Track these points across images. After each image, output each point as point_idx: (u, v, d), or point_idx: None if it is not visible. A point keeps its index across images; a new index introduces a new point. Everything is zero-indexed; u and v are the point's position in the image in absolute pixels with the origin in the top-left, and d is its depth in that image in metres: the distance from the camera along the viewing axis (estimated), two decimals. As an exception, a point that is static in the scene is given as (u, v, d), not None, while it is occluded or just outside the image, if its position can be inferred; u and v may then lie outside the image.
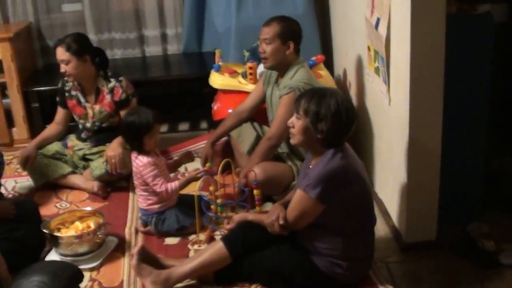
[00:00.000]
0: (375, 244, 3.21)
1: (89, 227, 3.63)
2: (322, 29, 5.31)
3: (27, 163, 4.34)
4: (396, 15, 3.17)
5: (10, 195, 4.47)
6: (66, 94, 4.43)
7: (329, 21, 5.28)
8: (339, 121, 2.88)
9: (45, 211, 4.15)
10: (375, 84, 3.71)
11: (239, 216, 3.32)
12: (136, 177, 3.72)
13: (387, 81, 3.40)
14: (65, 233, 3.59)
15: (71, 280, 2.43)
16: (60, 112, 4.53)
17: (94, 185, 4.29)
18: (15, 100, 5.20)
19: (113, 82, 4.31)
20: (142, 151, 3.64)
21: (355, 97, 4.34)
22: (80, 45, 4.21)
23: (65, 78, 4.38)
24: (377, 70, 3.60)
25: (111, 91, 4.31)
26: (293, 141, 2.99)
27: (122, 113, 4.27)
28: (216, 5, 5.29)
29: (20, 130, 5.28)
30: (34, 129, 5.26)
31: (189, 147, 4.81)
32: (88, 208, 3.85)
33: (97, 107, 4.36)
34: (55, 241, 3.52)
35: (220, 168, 3.56)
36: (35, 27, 5.62)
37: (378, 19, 3.44)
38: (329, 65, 5.24)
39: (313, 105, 2.86)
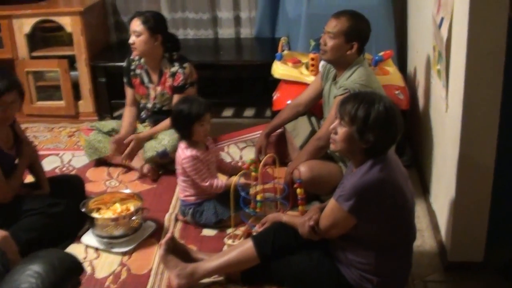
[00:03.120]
0: (418, 258, 3.02)
1: (128, 209, 3.58)
2: (400, 22, 5.04)
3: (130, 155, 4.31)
4: (458, 16, 2.91)
5: (64, 168, 4.48)
6: (131, 73, 4.40)
7: (406, 14, 5.00)
8: (388, 131, 2.66)
9: (94, 187, 4.16)
10: (437, 87, 3.46)
11: (273, 216, 3.16)
12: (177, 167, 3.63)
13: (446, 86, 3.15)
14: (104, 214, 3.55)
15: (68, 272, 2.35)
16: (130, 93, 4.50)
17: (145, 167, 4.24)
18: (83, 74, 5.23)
19: (176, 67, 4.25)
20: (190, 140, 3.54)
21: (421, 98, 4.10)
22: (157, 23, 4.18)
23: (131, 57, 4.35)
24: (439, 73, 3.35)
25: (173, 75, 4.25)
26: (334, 147, 2.78)
27: (175, 97, 4.23)
28: (289, -11, 5.10)
29: (86, 104, 5.30)
30: (100, 104, 5.32)
31: (244, 136, 4.68)
32: (127, 191, 3.81)
33: (159, 89, 4.32)
34: (91, 222, 3.49)
35: (261, 164, 3.42)
36: (110, 2, 5.62)
37: (442, 19, 3.19)
38: (403, 60, 4.98)
39: (360, 112, 2.63)
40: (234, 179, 3.40)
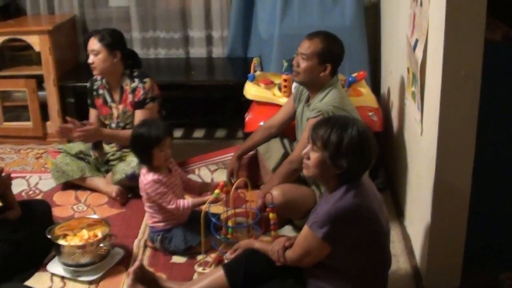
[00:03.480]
0: (393, 284, 2.93)
1: (96, 236, 3.48)
2: (373, 42, 5.00)
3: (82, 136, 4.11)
4: (433, 38, 2.86)
5: (31, 192, 4.36)
6: (94, 93, 4.31)
7: (379, 34, 4.96)
8: (361, 157, 2.60)
9: (61, 212, 4.05)
10: (411, 110, 3.40)
11: (245, 242, 3.07)
12: (142, 193, 3.53)
13: (421, 109, 3.09)
14: (70, 240, 3.44)
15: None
16: (93, 114, 4.40)
17: (114, 190, 4.12)
18: (51, 94, 5.11)
19: (136, 82, 4.16)
20: (151, 165, 3.43)
21: (395, 120, 4.04)
22: (114, 40, 4.11)
23: (94, 77, 4.26)
24: (413, 95, 3.30)
25: (133, 91, 4.16)
26: (306, 173, 2.72)
27: (137, 113, 4.15)
28: (262, 10, 5.04)
29: (54, 124, 5.17)
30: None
31: (216, 158, 4.58)
32: (95, 216, 3.71)
33: (121, 107, 4.23)
34: (57, 249, 3.37)
35: (233, 188, 3.33)
36: (80, 20, 5.52)
37: (417, 41, 3.14)
38: (377, 80, 4.94)
39: (333, 137, 2.56)
40: (204, 207, 3.30)
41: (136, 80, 4.17)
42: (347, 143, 2.54)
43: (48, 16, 5.45)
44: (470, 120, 2.75)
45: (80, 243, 3.36)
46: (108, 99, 4.26)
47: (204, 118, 5.38)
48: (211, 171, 4.52)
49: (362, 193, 2.61)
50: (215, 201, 3.39)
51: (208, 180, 4.38)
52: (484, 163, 2.90)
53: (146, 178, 3.43)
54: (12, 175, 4.37)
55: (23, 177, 4.59)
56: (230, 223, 3.45)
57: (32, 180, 4.54)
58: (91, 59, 4.10)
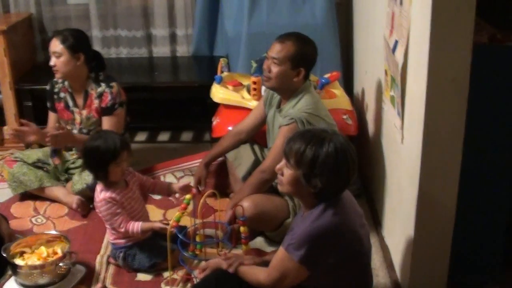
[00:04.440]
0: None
1: (55, 253, 3.28)
2: (345, 41, 4.80)
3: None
4: (415, 40, 2.66)
5: (-14, 203, 4.09)
6: (55, 96, 4.06)
7: (352, 32, 4.77)
8: (338, 176, 2.41)
9: (19, 225, 3.82)
10: (390, 115, 3.21)
11: (214, 262, 2.85)
12: (97, 210, 3.31)
13: (402, 115, 2.90)
14: (28, 259, 3.21)
15: None
16: (52, 117, 4.16)
17: (74, 201, 3.88)
18: (7, 97, 4.83)
19: (103, 87, 3.92)
20: (106, 181, 3.19)
21: (371, 123, 3.86)
22: (77, 41, 3.86)
23: (55, 79, 4.00)
24: (392, 100, 3.11)
25: (100, 96, 3.92)
26: (280, 189, 2.53)
27: (105, 119, 3.93)
28: (228, 7, 4.80)
29: (11, 129, 4.87)
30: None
31: (182, 165, 4.37)
32: (53, 232, 3.46)
33: (84, 112, 3.98)
34: (14, 269, 3.13)
35: (201, 202, 3.11)
36: (37, 19, 5.23)
37: (396, 42, 2.95)
38: (350, 80, 4.75)
39: (307, 155, 2.37)
40: (171, 223, 3.06)
41: (103, 84, 3.94)
42: (322, 162, 2.35)
43: (2, 15, 5.16)
44: (457, 127, 2.56)
45: (38, 263, 3.14)
46: (70, 103, 4.02)
47: (169, 121, 5.14)
48: (177, 178, 4.28)
49: (341, 211, 2.43)
50: (185, 208, 3.17)
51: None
52: (471, 170, 2.71)
53: (99, 196, 3.20)
54: None
55: (-22, 187, 4.33)
56: (198, 239, 3.23)
57: (-13, 190, 4.28)
58: (53, 61, 3.86)
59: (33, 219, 3.89)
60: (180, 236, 3.08)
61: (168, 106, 5.21)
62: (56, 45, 3.83)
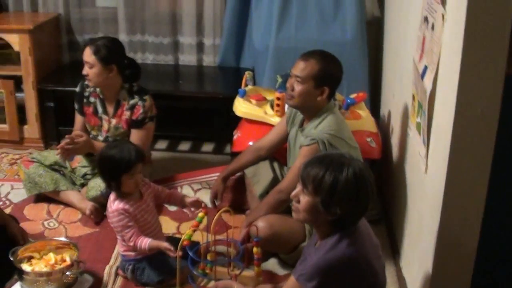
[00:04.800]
0: None
1: (63, 260, 3.23)
2: (374, 60, 4.70)
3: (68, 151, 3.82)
4: (445, 67, 2.55)
5: (1, 202, 4.05)
6: (84, 100, 4.01)
7: (382, 52, 4.66)
8: (357, 203, 2.31)
9: (31, 227, 3.76)
10: (415, 142, 3.10)
11: (224, 284, 2.76)
12: (109, 220, 3.23)
13: (427, 144, 2.79)
14: (35, 264, 3.15)
15: None
16: (79, 120, 4.11)
17: (88, 207, 3.82)
18: (29, 97, 4.79)
19: (136, 99, 3.88)
20: (119, 191, 3.12)
21: (395, 147, 3.75)
22: (110, 53, 3.79)
23: (85, 82, 3.93)
24: (418, 127, 3.00)
25: (132, 108, 3.88)
26: (296, 216, 2.43)
27: (134, 132, 3.89)
28: (257, 19, 4.72)
29: (31, 129, 4.87)
30: (46, 130, 4.90)
31: (200, 177, 4.28)
32: (63, 239, 3.41)
33: (114, 122, 3.93)
34: (19, 274, 3.07)
35: (215, 219, 3.02)
36: (65, 19, 5.18)
37: (426, 68, 2.84)
38: (377, 101, 4.64)
39: (326, 182, 2.27)
40: (182, 240, 2.98)
41: (136, 96, 3.88)
42: (342, 188, 2.26)
43: (31, 14, 5.13)
44: (484, 162, 2.44)
45: (44, 270, 3.09)
46: (100, 109, 3.97)
47: (191, 131, 5.06)
48: (194, 190, 4.20)
49: (357, 241, 2.33)
50: (197, 226, 3.08)
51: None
52: (496, 211, 2.59)
53: (111, 206, 3.13)
54: None
55: (-6, 186, 4.29)
56: (209, 257, 3.14)
57: (3, 190, 4.24)
58: (86, 70, 3.81)
59: (45, 223, 3.84)
60: (190, 253, 2.99)
61: (191, 116, 5.13)
62: (88, 55, 3.77)
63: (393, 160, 3.77)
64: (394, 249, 3.52)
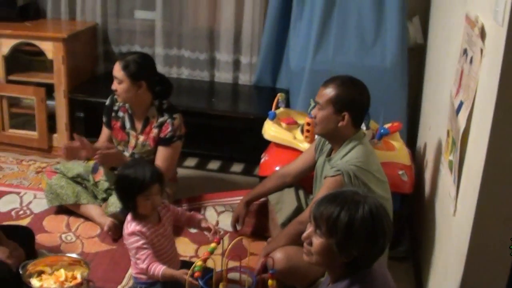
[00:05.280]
0: None
1: (74, 278, 3.15)
2: (414, 88, 4.51)
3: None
4: (481, 105, 2.39)
5: (21, 212, 3.98)
6: (113, 114, 3.94)
7: (422, 81, 4.49)
8: (375, 243, 2.13)
9: (48, 240, 3.72)
10: (446, 180, 2.93)
11: None
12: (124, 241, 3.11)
13: (457, 184, 2.62)
14: (45, 280, 3.08)
15: None
16: (105, 133, 4.05)
17: (106, 223, 3.73)
18: (60, 105, 4.76)
19: (165, 117, 3.80)
20: (135, 213, 3.01)
21: (428, 182, 3.57)
22: (140, 69, 3.72)
23: (115, 96, 3.87)
24: (450, 165, 2.83)
25: (160, 125, 3.80)
26: (308, 259, 2.24)
27: (160, 150, 3.81)
28: (295, 39, 4.58)
29: (60, 138, 4.82)
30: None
31: (223, 199, 4.17)
32: (75, 255, 3.31)
33: (141, 138, 3.85)
34: (27, 290, 2.99)
35: (228, 249, 2.89)
36: (102, 29, 5.15)
37: (461, 104, 2.68)
38: (415, 132, 4.45)
39: (341, 221, 2.09)
40: (188, 276, 2.83)
41: (166, 114, 3.81)
42: (359, 228, 2.08)
43: (68, 22, 5.10)
44: (513, 212, 2.28)
45: (53, 287, 2.98)
46: (128, 125, 3.90)
47: (221, 150, 4.94)
48: (217, 212, 4.09)
49: (371, 287, 2.16)
50: (207, 258, 2.95)
51: (213, 221, 3.95)
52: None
53: (128, 227, 3.01)
54: (6, 189, 4.12)
55: (18, 193, 4.25)
56: (221, 287, 3.01)
57: (26, 198, 4.19)
58: (115, 85, 3.75)
59: (63, 236, 3.77)
60: (201, 283, 2.86)
61: (223, 135, 5.01)
62: (117, 71, 3.71)
63: (425, 195, 3.60)
64: (419, 291, 3.35)
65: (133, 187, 2.92)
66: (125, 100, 3.79)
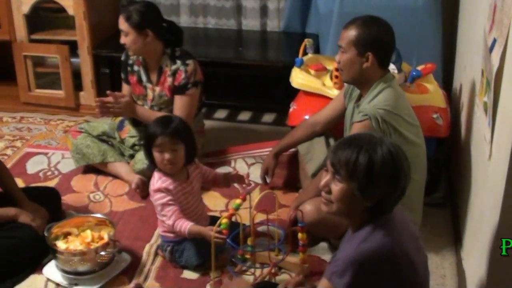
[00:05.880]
0: None
1: (101, 238, 3.10)
2: (449, 28, 4.30)
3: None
4: (515, 42, 2.22)
5: (50, 172, 3.93)
6: (129, 68, 3.84)
7: (457, 19, 4.27)
8: (397, 183, 2.04)
9: (76, 200, 3.67)
10: (481, 123, 2.77)
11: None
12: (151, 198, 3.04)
13: (492, 127, 2.46)
14: (71, 242, 3.03)
15: None
16: (126, 89, 3.94)
17: (134, 181, 3.66)
18: (85, 62, 4.66)
19: (178, 64, 3.66)
20: (159, 169, 2.94)
21: (463, 126, 3.40)
22: (143, 18, 3.59)
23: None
24: (485, 106, 2.66)
25: (174, 73, 3.67)
26: (327, 209, 2.14)
27: (177, 99, 3.69)
28: (323, -20, 4.39)
29: (87, 95, 4.75)
30: (103, 97, 4.68)
31: (252, 151, 4.05)
32: (99, 215, 3.25)
33: (157, 89, 3.74)
34: (54, 253, 2.95)
35: (256, 203, 2.79)
36: (122, -20, 4.98)
37: (494, 41, 2.49)
38: (450, 73, 4.26)
39: (361, 163, 2.00)
40: (213, 230, 2.74)
41: (178, 61, 3.67)
42: (380, 168, 1.99)
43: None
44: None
45: (79, 248, 2.96)
46: (144, 78, 3.79)
47: (252, 100, 4.80)
48: (248, 164, 3.99)
49: (393, 232, 2.06)
50: (232, 215, 2.85)
51: (244, 173, 3.86)
52: None
53: (154, 184, 2.94)
54: (35, 150, 4.10)
55: (45, 154, 4.20)
56: (249, 242, 2.92)
57: (54, 158, 4.13)
58: (122, 39, 3.65)
59: (91, 195, 3.72)
60: (228, 240, 2.77)
61: (253, 84, 4.87)
62: (122, 23, 3.61)
63: (461, 139, 3.44)
64: (456, 237, 3.22)
65: (147, 139, 2.91)
66: (135, 52, 3.68)
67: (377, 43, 2.90)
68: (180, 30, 3.80)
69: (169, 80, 3.69)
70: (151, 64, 3.75)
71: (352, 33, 2.89)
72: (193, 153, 3.03)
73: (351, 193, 2.03)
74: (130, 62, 3.82)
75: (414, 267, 2.10)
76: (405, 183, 2.06)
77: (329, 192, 2.09)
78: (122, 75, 3.92)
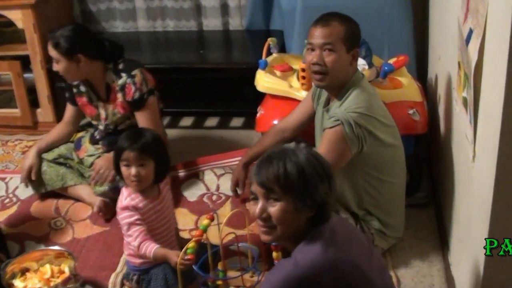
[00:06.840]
0: None
1: (62, 272, 2.86)
2: (421, 17, 4.08)
3: (29, 175, 3.58)
4: (494, 33, 2.00)
5: (7, 200, 3.70)
6: (75, 90, 3.61)
7: (428, 9, 4.05)
8: (330, 180, 1.99)
9: (36, 229, 3.45)
10: (461, 120, 2.56)
11: None
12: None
13: (474, 126, 2.25)
14: (29, 279, 2.81)
15: None
16: (69, 110, 3.72)
17: (96, 203, 3.42)
18: (39, 77, 4.39)
19: (124, 78, 3.43)
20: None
21: (442, 121, 3.20)
22: (72, 43, 3.35)
23: None
24: (465, 102, 2.45)
25: (122, 88, 3.44)
26: (269, 238, 2.02)
27: (138, 115, 3.44)
28: (284, -26, 4.16)
29: (45, 112, 4.48)
30: (61, 112, 4.39)
31: (221, 161, 3.82)
32: (57, 248, 3.03)
33: (110, 107, 3.51)
34: (9, 292, 2.71)
35: (224, 223, 2.56)
36: (75, -13, 4.73)
37: (471, 32, 2.28)
38: (424, 64, 4.04)
39: (292, 173, 1.91)
40: (179, 258, 2.51)
41: (123, 74, 3.43)
42: (310, 169, 1.94)
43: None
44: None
45: (38, 286, 2.72)
46: (93, 97, 3.57)
47: (218, 105, 4.55)
48: (217, 175, 3.76)
49: (334, 240, 1.95)
50: (201, 235, 2.62)
51: (213, 187, 3.68)
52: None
53: (122, 201, 2.74)
54: None
55: (3, 179, 3.95)
56: (220, 266, 2.69)
57: (11, 184, 3.89)
58: (55, 67, 3.43)
59: (52, 222, 3.50)
60: (195, 268, 2.54)
61: (218, 88, 4.62)
62: (50, 51, 3.38)
63: (441, 135, 3.23)
64: (442, 240, 3.02)
65: (115, 153, 2.73)
66: (72, 78, 3.49)
67: (359, 38, 2.77)
68: (116, 43, 3.55)
69: (119, 96, 3.46)
70: (96, 83, 3.53)
71: (338, 28, 2.69)
72: (165, 170, 2.80)
73: (292, 208, 1.93)
74: (76, 82, 3.58)
75: (366, 275, 1.97)
76: (332, 183, 1.99)
77: (267, 218, 1.94)
78: (67, 95, 3.69)
